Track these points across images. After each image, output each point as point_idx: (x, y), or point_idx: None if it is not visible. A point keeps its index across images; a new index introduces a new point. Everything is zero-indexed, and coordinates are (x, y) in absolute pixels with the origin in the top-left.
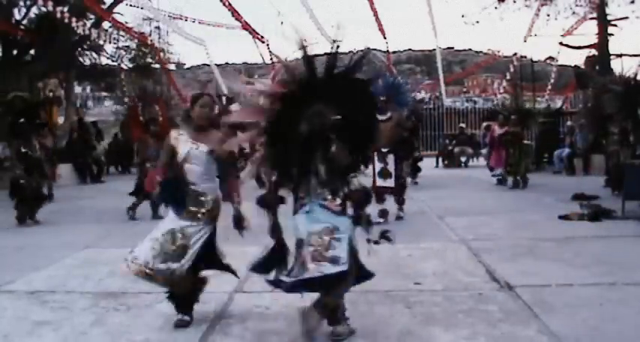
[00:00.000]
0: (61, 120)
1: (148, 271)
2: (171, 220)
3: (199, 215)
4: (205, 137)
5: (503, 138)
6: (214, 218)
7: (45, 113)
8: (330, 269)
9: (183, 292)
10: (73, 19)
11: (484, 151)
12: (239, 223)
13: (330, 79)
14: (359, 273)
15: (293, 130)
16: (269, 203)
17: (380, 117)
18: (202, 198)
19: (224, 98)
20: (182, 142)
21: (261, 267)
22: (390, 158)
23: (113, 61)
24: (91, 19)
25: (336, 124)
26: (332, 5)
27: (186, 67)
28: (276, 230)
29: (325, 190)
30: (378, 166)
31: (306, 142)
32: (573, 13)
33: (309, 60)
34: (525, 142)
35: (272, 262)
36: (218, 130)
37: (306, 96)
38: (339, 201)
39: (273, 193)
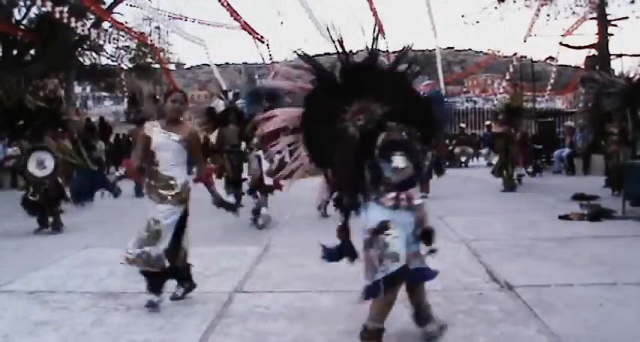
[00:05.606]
0: None
1: (128, 256)
2: (147, 207)
3: (169, 197)
4: (176, 128)
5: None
6: (183, 201)
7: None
8: (391, 267)
9: (158, 272)
10: (73, 19)
11: (484, 151)
12: (219, 202)
13: (370, 73)
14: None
15: (334, 128)
16: (344, 205)
17: None
18: (172, 182)
19: (230, 94)
20: (155, 132)
21: (332, 256)
22: None
23: (113, 61)
24: (90, 19)
25: (387, 116)
26: (332, 5)
27: (186, 67)
28: (343, 231)
29: (379, 187)
30: None
31: (358, 142)
32: (573, 13)
33: (346, 57)
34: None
35: (342, 254)
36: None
37: (347, 92)
38: (392, 194)
39: (349, 197)
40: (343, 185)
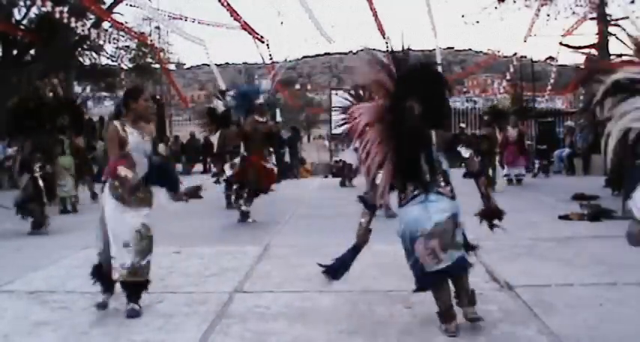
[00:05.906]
0: None
1: (138, 271)
2: (121, 213)
3: (146, 201)
4: (142, 127)
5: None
6: (152, 204)
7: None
8: (456, 254)
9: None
10: (73, 19)
11: None
12: (180, 196)
13: (422, 74)
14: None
15: (398, 125)
16: (372, 204)
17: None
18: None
19: (229, 95)
20: (129, 133)
21: (338, 271)
22: None
23: (113, 61)
24: (90, 19)
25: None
26: (332, 5)
27: (186, 67)
28: (367, 234)
29: (438, 178)
30: None
31: (411, 137)
32: (573, 13)
33: (399, 56)
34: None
35: (345, 267)
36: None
37: (404, 91)
38: (450, 187)
39: (381, 194)
40: (401, 176)
